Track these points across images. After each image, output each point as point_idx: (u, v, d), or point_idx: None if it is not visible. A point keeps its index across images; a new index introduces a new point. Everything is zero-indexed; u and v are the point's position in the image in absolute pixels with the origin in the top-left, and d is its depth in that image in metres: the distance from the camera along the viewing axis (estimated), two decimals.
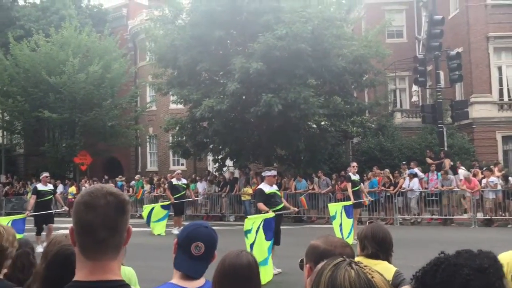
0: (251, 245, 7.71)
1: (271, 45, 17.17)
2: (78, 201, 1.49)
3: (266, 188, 8.82)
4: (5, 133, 32.95)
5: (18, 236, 2.74)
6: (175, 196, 15.38)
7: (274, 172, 9.11)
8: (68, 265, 1.83)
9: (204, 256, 2.17)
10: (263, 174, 9.40)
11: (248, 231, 7.74)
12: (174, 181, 15.80)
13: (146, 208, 15.59)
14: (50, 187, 12.84)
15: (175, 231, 15.00)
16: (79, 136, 27.68)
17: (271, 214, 8.27)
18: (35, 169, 29.88)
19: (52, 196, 12.78)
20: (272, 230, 8.22)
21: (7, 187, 28.34)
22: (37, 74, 25.54)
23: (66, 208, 15.13)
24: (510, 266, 2.86)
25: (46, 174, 12.78)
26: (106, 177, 25.03)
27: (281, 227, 9.23)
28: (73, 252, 1.62)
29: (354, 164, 12.98)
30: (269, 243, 8.13)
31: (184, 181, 16.29)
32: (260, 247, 7.86)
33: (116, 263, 1.49)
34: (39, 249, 10.89)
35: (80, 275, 1.46)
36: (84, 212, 1.46)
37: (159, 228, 15.08)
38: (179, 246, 2.22)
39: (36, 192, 12.42)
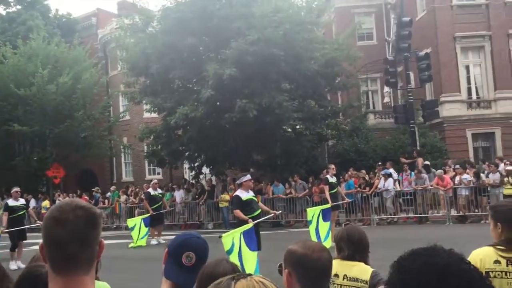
0: (239, 257, 7.43)
1: (244, 51, 17.20)
2: (48, 216, 1.47)
3: (243, 195, 8.78)
4: None
5: None
6: (153, 207, 15.17)
7: (249, 176, 9.08)
8: (35, 286, 1.79)
9: (195, 267, 2.13)
10: (238, 182, 9.25)
11: (230, 251, 7.35)
12: (152, 191, 15.61)
13: (132, 222, 15.14)
14: (21, 202, 12.53)
15: (154, 241, 14.80)
16: (50, 148, 27.14)
17: (249, 225, 8.19)
18: (6, 184, 29.15)
19: (24, 211, 12.50)
20: (255, 240, 8.07)
21: None
22: (5, 87, 24.98)
23: (39, 222, 14.75)
24: (483, 262, 2.91)
25: (16, 189, 12.45)
26: (78, 191, 24.52)
27: (260, 232, 9.21)
28: (42, 273, 1.58)
29: (332, 166, 13.00)
30: (255, 253, 8.00)
31: (160, 190, 16.14)
32: (248, 258, 7.72)
33: (89, 278, 1.47)
34: (12, 266, 10.61)
35: None
36: (53, 227, 1.44)
37: (141, 242, 14.77)
38: (169, 255, 2.17)
39: (7, 208, 12.12)
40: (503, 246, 2.88)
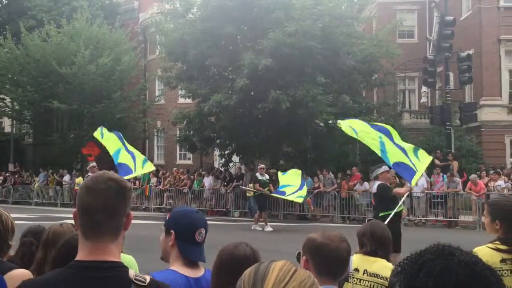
0: None
1: (281, 42, 17.16)
2: (82, 185, 1.59)
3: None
4: (14, 122, 33.14)
5: None
6: (258, 194, 14.84)
7: (385, 167, 8.02)
8: (73, 253, 1.91)
9: (204, 241, 2.28)
10: (373, 174, 8.12)
11: None
12: (259, 176, 15.02)
13: None
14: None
15: (269, 228, 13.97)
16: (87, 127, 27.81)
17: None
18: (43, 159, 30.09)
19: None
20: None
21: (15, 176, 28.58)
22: (47, 64, 25.65)
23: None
24: (489, 263, 2.85)
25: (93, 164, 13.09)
26: (110, 171, 25.05)
27: (284, 224, 9.22)
28: (76, 244, 1.68)
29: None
30: None
31: (267, 176, 15.36)
32: None
33: (115, 246, 1.56)
34: None
35: (80, 255, 1.54)
36: (85, 195, 1.55)
37: None
38: (178, 236, 2.23)
39: None
40: (504, 246, 2.81)
